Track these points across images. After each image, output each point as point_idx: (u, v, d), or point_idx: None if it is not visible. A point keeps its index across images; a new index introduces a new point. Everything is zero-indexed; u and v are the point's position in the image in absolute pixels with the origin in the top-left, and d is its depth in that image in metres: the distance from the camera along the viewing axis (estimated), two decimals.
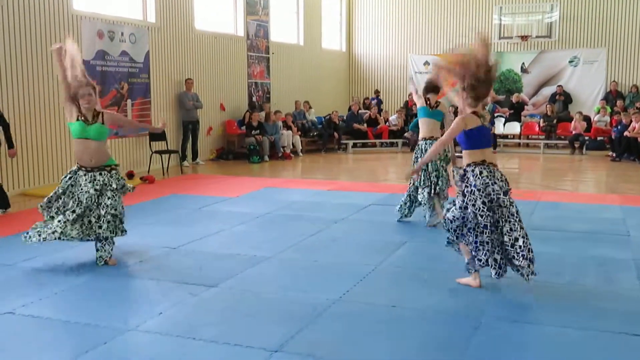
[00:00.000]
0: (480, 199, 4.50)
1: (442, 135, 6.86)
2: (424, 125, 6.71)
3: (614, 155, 13.64)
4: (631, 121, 13.65)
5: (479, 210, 4.50)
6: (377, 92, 18.53)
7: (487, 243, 4.51)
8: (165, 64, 12.22)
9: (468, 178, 4.57)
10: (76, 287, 4.81)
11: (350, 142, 15.88)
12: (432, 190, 6.73)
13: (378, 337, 3.83)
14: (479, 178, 4.51)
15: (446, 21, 18.54)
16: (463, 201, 4.58)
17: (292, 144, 14.66)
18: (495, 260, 4.52)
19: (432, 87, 6.61)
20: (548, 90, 17.60)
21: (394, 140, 16.21)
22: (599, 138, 15.25)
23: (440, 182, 6.72)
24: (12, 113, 8.99)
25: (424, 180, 6.73)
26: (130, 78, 11.31)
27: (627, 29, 16.99)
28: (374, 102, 17.67)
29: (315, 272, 5.19)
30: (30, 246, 5.92)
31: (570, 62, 17.44)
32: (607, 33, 17.15)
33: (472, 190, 4.53)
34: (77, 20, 10.07)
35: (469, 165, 4.59)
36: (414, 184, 6.86)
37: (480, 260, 4.56)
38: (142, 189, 9.57)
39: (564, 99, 17.05)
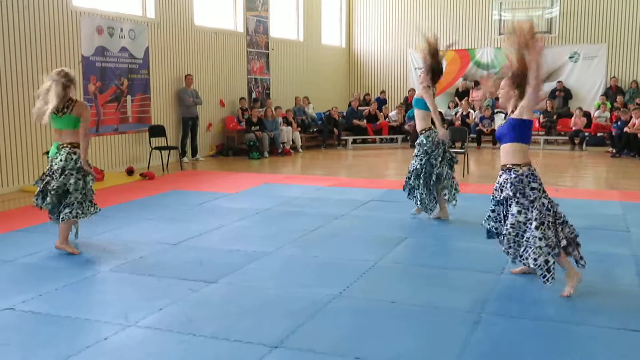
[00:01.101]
0: (541, 199, 4.35)
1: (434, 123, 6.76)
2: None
3: (614, 151, 13.64)
4: (631, 117, 13.65)
5: (542, 212, 4.34)
6: (382, 92, 18.52)
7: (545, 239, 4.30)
8: (165, 60, 12.21)
9: (534, 177, 4.37)
10: (76, 283, 4.81)
11: (350, 138, 15.87)
12: (431, 183, 6.75)
13: (378, 332, 3.84)
14: (537, 178, 4.39)
15: (446, 17, 18.51)
16: (529, 203, 4.37)
17: (292, 140, 14.65)
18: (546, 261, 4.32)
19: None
20: (548, 86, 17.56)
21: (394, 136, 16.21)
22: (599, 134, 15.26)
23: (438, 173, 6.71)
24: (10, 109, 9.00)
25: (424, 172, 6.73)
26: (130, 74, 11.31)
27: (627, 25, 16.97)
28: (377, 101, 17.61)
29: (315, 268, 5.19)
30: (30, 242, 5.93)
31: (570, 57, 17.43)
32: (607, 29, 17.13)
33: (536, 190, 4.35)
34: (76, 16, 10.06)
35: (526, 166, 4.39)
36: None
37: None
38: (142, 185, 9.59)
39: (564, 94, 17.04)
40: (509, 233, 4.44)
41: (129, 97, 11.32)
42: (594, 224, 6.76)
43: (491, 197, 4.64)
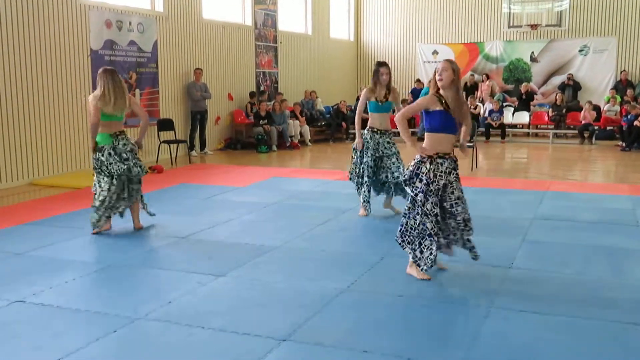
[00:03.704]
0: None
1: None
2: None
3: (624, 145, 13.56)
4: None
5: None
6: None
7: None
8: (173, 54, 12.23)
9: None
10: (86, 276, 4.84)
11: None
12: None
13: (386, 326, 3.84)
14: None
15: (455, 10, 18.42)
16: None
17: (300, 133, 14.65)
18: None
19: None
20: (557, 80, 17.49)
21: None
22: (608, 128, 15.17)
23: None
24: (19, 103, 9.03)
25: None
26: (139, 68, 11.33)
27: (637, 18, 16.82)
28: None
29: (323, 262, 5.20)
30: (40, 235, 5.97)
31: (580, 51, 17.31)
32: (617, 22, 17.00)
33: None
34: (85, 9, 10.08)
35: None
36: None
37: None
38: (151, 178, 9.61)
39: (572, 84, 16.92)
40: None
41: (137, 91, 11.35)
42: (604, 217, 6.74)
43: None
